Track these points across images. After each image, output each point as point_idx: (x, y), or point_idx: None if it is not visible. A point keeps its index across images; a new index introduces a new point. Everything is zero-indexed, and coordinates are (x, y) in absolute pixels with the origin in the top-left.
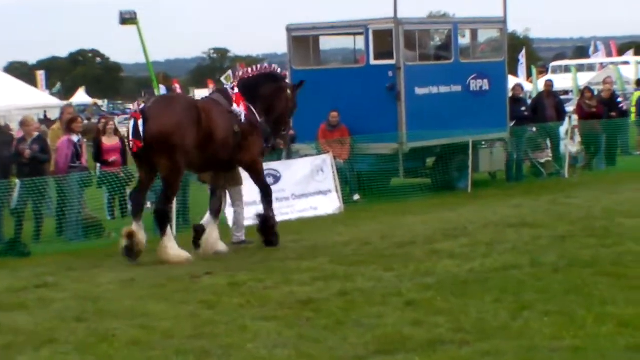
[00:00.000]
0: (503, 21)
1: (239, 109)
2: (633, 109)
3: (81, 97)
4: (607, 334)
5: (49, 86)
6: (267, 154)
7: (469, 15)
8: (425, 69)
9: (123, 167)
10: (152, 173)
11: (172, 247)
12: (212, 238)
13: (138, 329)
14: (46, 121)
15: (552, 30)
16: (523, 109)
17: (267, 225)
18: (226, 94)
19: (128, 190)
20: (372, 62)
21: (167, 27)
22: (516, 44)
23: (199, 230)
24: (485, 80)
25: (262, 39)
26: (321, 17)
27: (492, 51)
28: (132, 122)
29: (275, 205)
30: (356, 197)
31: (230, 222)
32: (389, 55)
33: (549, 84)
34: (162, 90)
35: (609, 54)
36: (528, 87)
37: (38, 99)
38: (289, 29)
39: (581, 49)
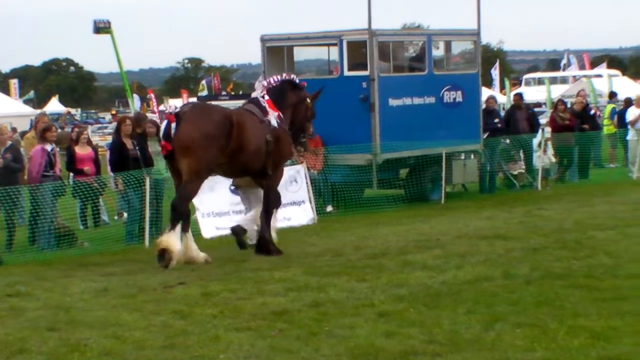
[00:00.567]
0: (477, 33)
1: (272, 117)
2: (606, 122)
3: (54, 105)
4: (579, 346)
5: (22, 95)
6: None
7: (443, 27)
8: (399, 80)
9: (96, 176)
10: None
11: (173, 241)
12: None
13: (110, 339)
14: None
15: (525, 42)
16: (496, 120)
17: (266, 247)
18: (259, 103)
19: (101, 200)
20: (346, 73)
21: (141, 36)
22: (490, 56)
23: (239, 232)
24: (459, 92)
25: (236, 49)
26: (295, 27)
27: (466, 63)
28: (164, 124)
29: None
30: (329, 208)
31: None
32: (363, 67)
33: (518, 97)
34: (135, 99)
35: (582, 67)
36: (501, 99)
37: (11, 108)
38: (263, 39)
39: (554, 62)
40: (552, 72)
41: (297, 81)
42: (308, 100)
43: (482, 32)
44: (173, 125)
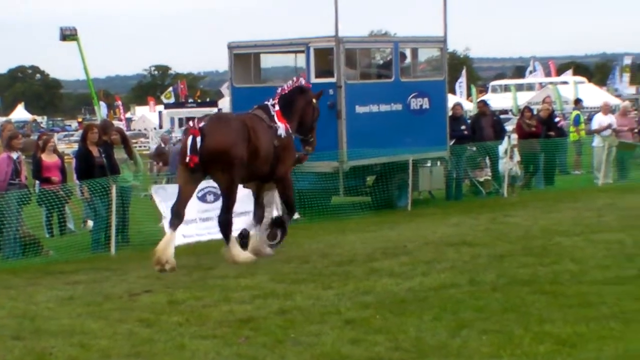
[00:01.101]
0: (443, 40)
1: (279, 125)
2: (572, 128)
3: (20, 113)
4: (544, 352)
5: None
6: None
7: (410, 34)
8: (366, 87)
9: (62, 184)
10: (196, 184)
11: (239, 252)
12: (258, 242)
13: (76, 347)
14: None
15: (491, 49)
16: (463, 127)
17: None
18: (267, 110)
19: (67, 208)
20: (313, 80)
21: (108, 43)
22: (456, 63)
23: (245, 235)
24: (426, 99)
25: (203, 56)
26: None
27: (433, 70)
28: (190, 139)
29: (215, 223)
30: (296, 215)
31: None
32: (330, 74)
33: (482, 104)
34: (102, 107)
35: (548, 74)
36: (468, 106)
37: None
38: (230, 47)
39: (521, 69)
40: (519, 79)
41: (303, 83)
42: (314, 100)
43: (449, 39)
44: (198, 139)
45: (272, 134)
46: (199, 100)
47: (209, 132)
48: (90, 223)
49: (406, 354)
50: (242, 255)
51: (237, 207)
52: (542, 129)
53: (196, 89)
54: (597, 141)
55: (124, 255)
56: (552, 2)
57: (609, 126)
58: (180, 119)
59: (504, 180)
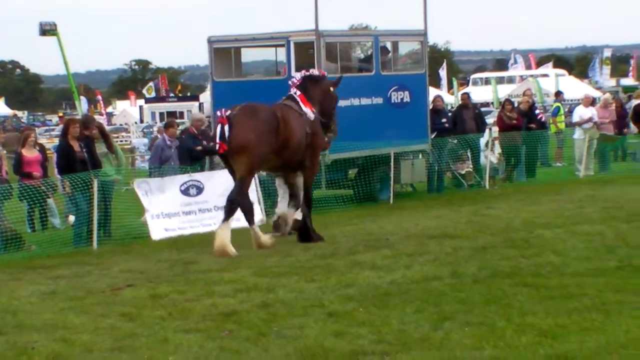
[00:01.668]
0: (424, 34)
1: (306, 110)
2: (550, 120)
3: (1, 108)
4: (526, 344)
5: None
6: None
7: (390, 28)
8: (347, 81)
9: (44, 179)
10: None
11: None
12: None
13: (58, 342)
14: None
15: (472, 42)
16: (444, 120)
17: (307, 235)
18: (294, 99)
19: (53, 204)
20: (294, 74)
21: (88, 38)
22: (437, 56)
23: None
24: (406, 92)
25: (183, 50)
26: (243, 29)
27: (413, 63)
28: (219, 127)
29: (198, 216)
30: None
31: None
32: (311, 67)
33: (465, 96)
34: (83, 101)
35: (529, 67)
36: (449, 99)
37: None
38: (211, 41)
39: (501, 62)
40: (499, 72)
41: (316, 73)
42: (331, 88)
43: (429, 32)
44: (226, 127)
45: (304, 121)
46: (179, 95)
47: (236, 122)
48: (71, 218)
49: (389, 346)
50: (224, 234)
51: (220, 201)
52: (523, 122)
53: (177, 83)
54: (578, 133)
55: (106, 250)
56: None
57: (590, 119)
58: (161, 113)
59: (486, 172)
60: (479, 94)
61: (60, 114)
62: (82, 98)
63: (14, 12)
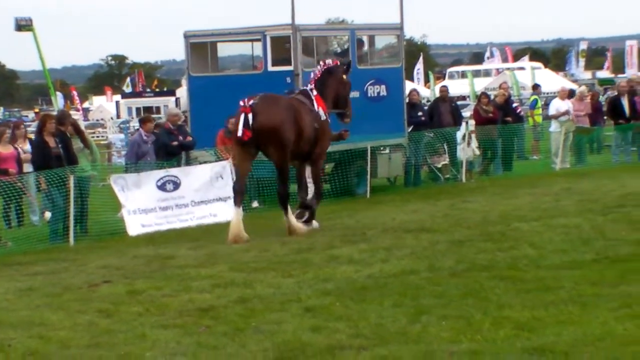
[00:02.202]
0: (400, 27)
1: (320, 110)
2: (528, 112)
3: None
4: (504, 337)
5: None
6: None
7: (367, 22)
8: None
9: (19, 175)
10: (250, 160)
11: (295, 222)
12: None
13: (35, 339)
14: None
15: (449, 36)
16: (420, 114)
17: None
18: (308, 95)
19: (35, 200)
20: (270, 68)
21: (64, 33)
22: (413, 50)
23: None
24: (383, 86)
25: (160, 45)
26: (219, 23)
27: (390, 57)
28: (242, 116)
29: (175, 212)
30: (255, 203)
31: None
32: (287, 62)
33: (444, 89)
34: (59, 97)
35: (505, 60)
36: (425, 92)
37: None
38: (187, 36)
39: (478, 55)
40: (476, 65)
41: (332, 64)
42: (344, 77)
43: (405, 26)
44: (250, 115)
45: (314, 116)
46: (156, 90)
47: (260, 110)
48: (47, 214)
49: (367, 340)
50: (297, 223)
51: (196, 196)
52: (499, 115)
53: (153, 78)
54: (554, 126)
55: (83, 246)
56: None
57: (567, 112)
58: (137, 109)
59: (462, 166)
60: (456, 87)
61: (37, 110)
62: (58, 94)
63: None
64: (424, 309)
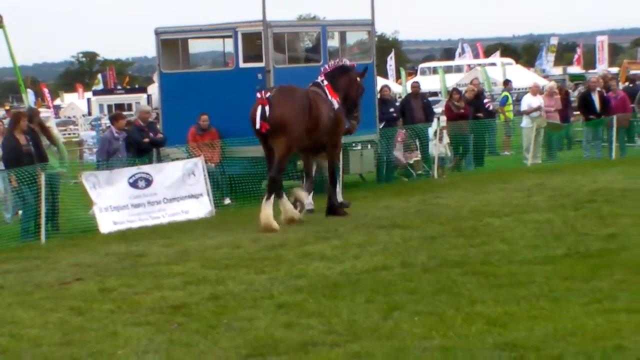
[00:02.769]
0: (371, 23)
1: (333, 100)
2: (499, 109)
3: None
4: (476, 332)
5: None
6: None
7: (338, 18)
8: (295, 71)
9: None
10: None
11: (268, 213)
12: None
13: (6, 337)
14: None
15: (420, 32)
16: (391, 110)
17: (333, 210)
18: (320, 86)
19: (5, 196)
20: (242, 65)
21: (34, 30)
22: (385, 46)
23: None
24: None
25: (131, 42)
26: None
27: (361, 53)
28: (260, 108)
29: (147, 209)
30: (227, 200)
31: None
32: (258, 58)
33: (416, 85)
34: (29, 94)
35: (476, 56)
36: (397, 88)
37: None
38: (158, 32)
39: (449, 51)
40: (447, 61)
41: (347, 64)
42: (358, 79)
43: (377, 22)
44: (267, 108)
45: (328, 107)
46: (127, 87)
47: (276, 102)
48: (21, 212)
49: (339, 337)
50: (269, 217)
51: (168, 193)
52: (470, 110)
53: (125, 75)
54: (525, 122)
55: (55, 244)
56: None
57: (538, 108)
58: (109, 106)
59: (434, 162)
60: (427, 83)
61: (7, 107)
62: (29, 91)
63: None
64: (397, 305)
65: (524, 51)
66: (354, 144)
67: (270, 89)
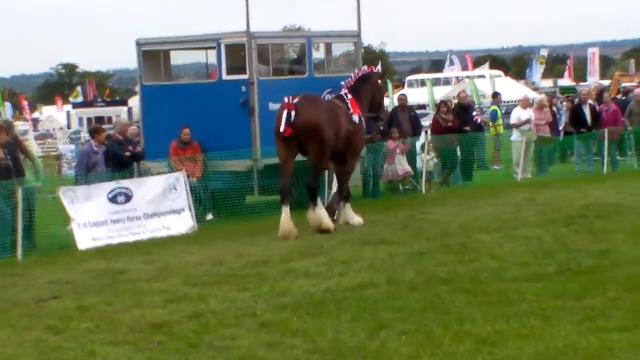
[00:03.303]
0: (357, 35)
1: (355, 115)
2: (490, 124)
3: None
4: (465, 352)
5: None
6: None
7: (324, 29)
8: (280, 84)
9: None
10: (293, 158)
11: (325, 216)
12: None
13: None
14: None
15: (408, 44)
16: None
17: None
18: (344, 100)
19: None
20: (225, 77)
21: (13, 42)
22: (372, 58)
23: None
24: None
25: (112, 53)
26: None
27: (347, 65)
28: (285, 113)
29: (127, 225)
30: (210, 216)
31: None
32: (242, 70)
33: (403, 98)
34: (7, 107)
35: (465, 68)
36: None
37: None
38: (139, 44)
39: (438, 63)
40: (435, 74)
41: (368, 71)
42: (379, 82)
43: (363, 33)
44: (293, 113)
45: (348, 119)
46: (108, 100)
47: (303, 108)
48: None
49: (324, 356)
50: (326, 219)
51: (149, 209)
52: (459, 124)
53: (105, 87)
54: (515, 136)
55: (32, 261)
56: None
57: (528, 121)
58: (89, 119)
59: (422, 176)
60: (415, 96)
61: None
62: (7, 104)
63: None
64: (383, 323)
65: (514, 63)
66: None
67: (296, 96)
